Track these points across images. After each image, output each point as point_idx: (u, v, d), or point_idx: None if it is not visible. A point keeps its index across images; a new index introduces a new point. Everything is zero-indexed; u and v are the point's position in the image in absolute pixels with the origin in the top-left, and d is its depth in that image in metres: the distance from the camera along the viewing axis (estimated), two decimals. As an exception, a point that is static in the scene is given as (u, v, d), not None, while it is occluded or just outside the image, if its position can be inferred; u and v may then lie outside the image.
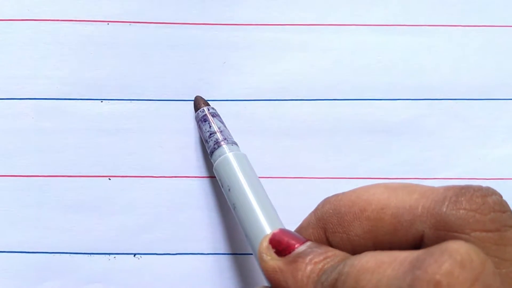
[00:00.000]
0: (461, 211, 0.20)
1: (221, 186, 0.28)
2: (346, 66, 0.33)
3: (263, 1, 0.33)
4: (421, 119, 0.32)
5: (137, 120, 0.32)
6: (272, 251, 0.23)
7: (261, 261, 0.23)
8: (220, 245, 0.31)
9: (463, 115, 0.33)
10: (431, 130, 0.32)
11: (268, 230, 0.24)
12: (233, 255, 0.31)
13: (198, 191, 0.32)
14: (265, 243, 0.23)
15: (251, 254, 0.31)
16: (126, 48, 0.32)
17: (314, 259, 0.21)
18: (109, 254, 0.31)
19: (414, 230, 0.20)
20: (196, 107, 0.31)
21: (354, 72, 0.33)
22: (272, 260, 0.22)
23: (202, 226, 0.31)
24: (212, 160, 0.29)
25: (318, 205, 0.24)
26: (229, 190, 0.27)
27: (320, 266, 0.21)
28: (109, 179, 0.32)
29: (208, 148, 0.29)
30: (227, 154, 0.28)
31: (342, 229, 0.22)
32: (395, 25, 0.33)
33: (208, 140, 0.29)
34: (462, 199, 0.20)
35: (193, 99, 0.32)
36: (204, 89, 0.32)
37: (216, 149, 0.29)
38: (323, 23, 0.33)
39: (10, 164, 0.31)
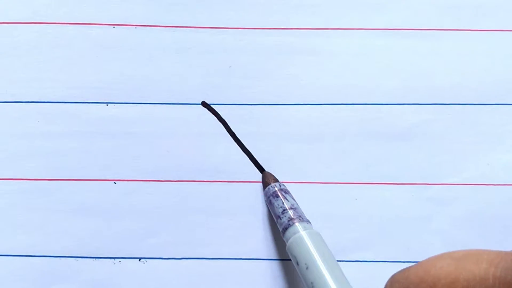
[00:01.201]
0: None
1: (295, 264, 0.28)
2: (353, 71, 0.33)
3: (269, 5, 0.33)
4: (429, 124, 0.32)
5: (143, 124, 0.32)
6: None
7: None
8: (226, 250, 0.31)
9: (472, 120, 0.32)
10: (439, 135, 0.32)
11: None
12: (239, 260, 0.31)
13: (204, 196, 0.31)
14: None
15: (256, 259, 0.31)
16: (132, 52, 0.32)
17: None
18: (115, 258, 0.31)
19: None
20: (266, 183, 0.31)
21: (361, 76, 0.33)
22: None
23: (207, 231, 0.31)
24: (284, 238, 0.29)
25: (386, 286, 0.23)
26: (306, 268, 0.27)
27: None
28: (115, 183, 0.31)
29: (281, 225, 0.29)
30: (302, 233, 0.28)
31: None
32: (403, 29, 0.33)
33: (281, 217, 0.29)
34: None
35: (262, 175, 0.32)
36: (210, 93, 0.32)
37: (290, 226, 0.28)
38: (330, 27, 0.33)
39: (15, 168, 0.31)
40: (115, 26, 0.33)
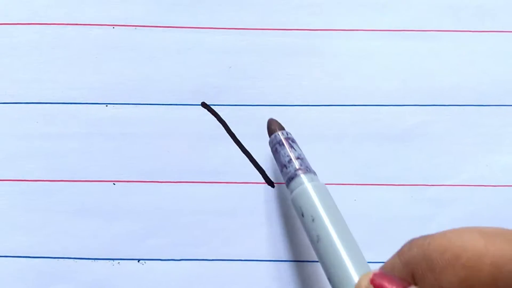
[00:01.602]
0: None
1: (299, 215, 0.27)
2: (353, 72, 0.33)
3: (270, 6, 0.33)
4: (428, 125, 0.32)
5: (142, 125, 0.32)
6: None
7: None
8: (225, 251, 0.31)
9: (471, 121, 0.32)
10: (438, 136, 0.32)
11: (353, 269, 0.24)
12: (238, 261, 0.31)
13: (204, 197, 0.31)
14: (366, 282, 0.22)
15: (256, 260, 0.31)
16: (131, 52, 0.32)
17: None
18: (113, 259, 0.31)
19: None
20: (271, 131, 0.30)
21: (361, 77, 0.33)
22: None
23: (207, 232, 0.31)
24: (289, 188, 0.28)
25: (404, 249, 0.23)
26: (312, 220, 0.26)
27: None
28: (114, 184, 0.31)
29: (286, 175, 0.28)
30: (308, 184, 0.27)
31: (433, 276, 0.21)
32: (404, 30, 0.33)
33: (287, 166, 0.28)
34: None
35: (268, 122, 0.30)
36: (210, 93, 0.32)
37: (296, 176, 0.28)
38: (330, 28, 0.33)
39: (15, 169, 0.31)
40: (114, 26, 0.33)
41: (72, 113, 0.32)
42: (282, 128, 0.30)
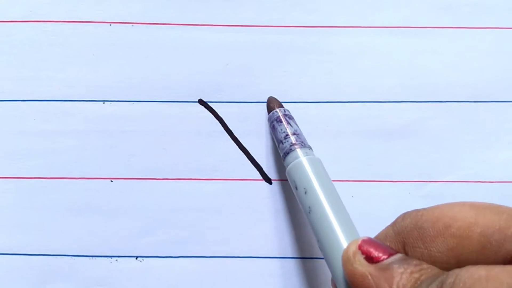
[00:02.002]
0: None
1: (293, 188, 0.28)
2: (350, 68, 0.33)
3: (267, 3, 0.33)
4: (426, 121, 0.32)
5: (140, 122, 0.32)
6: (361, 257, 0.23)
7: (348, 265, 0.23)
8: (222, 248, 0.31)
9: (468, 118, 0.32)
10: (436, 132, 0.32)
11: (343, 236, 0.25)
12: (235, 258, 0.31)
13: (201, 194, 0.31)
14: (354, 248, 0.23)
15: (253, 257, 0.31)
16: (128, 49, 0.32)
17: (409, 269, 0.21)
18: (111, 257, 0.31)
19: (504, 251, 0.20)
20: (270, 108, 0.31)
21: (358, 74, 0.33)
22: (362, 266, 0.22)
23: (204, 229, 0.31)
24: (285, 163, 0.29)
25: (397, 219, 0.24)
26: (305, 193, 0.27)
27: (416, 276, 0.21)
28: (111, 181, 0.31)
29: (282, 150, 0.29)
30: (302, 158, 0.28)
31: (423, 245, 0.22)
32: (401, 27, 0.33)
33: (283, 141, 0.29)
34: None
35: (267, 100, 0.31)
36: (207, 90, 0.32)
37: (292, 151, 0.28)
38: (327, 25, 0.33)
39: (12, 166, 0.31)
40: (111, 24, 0.33)
41: (69, 111, 0.32)
42: (280, 106, 0.31)
